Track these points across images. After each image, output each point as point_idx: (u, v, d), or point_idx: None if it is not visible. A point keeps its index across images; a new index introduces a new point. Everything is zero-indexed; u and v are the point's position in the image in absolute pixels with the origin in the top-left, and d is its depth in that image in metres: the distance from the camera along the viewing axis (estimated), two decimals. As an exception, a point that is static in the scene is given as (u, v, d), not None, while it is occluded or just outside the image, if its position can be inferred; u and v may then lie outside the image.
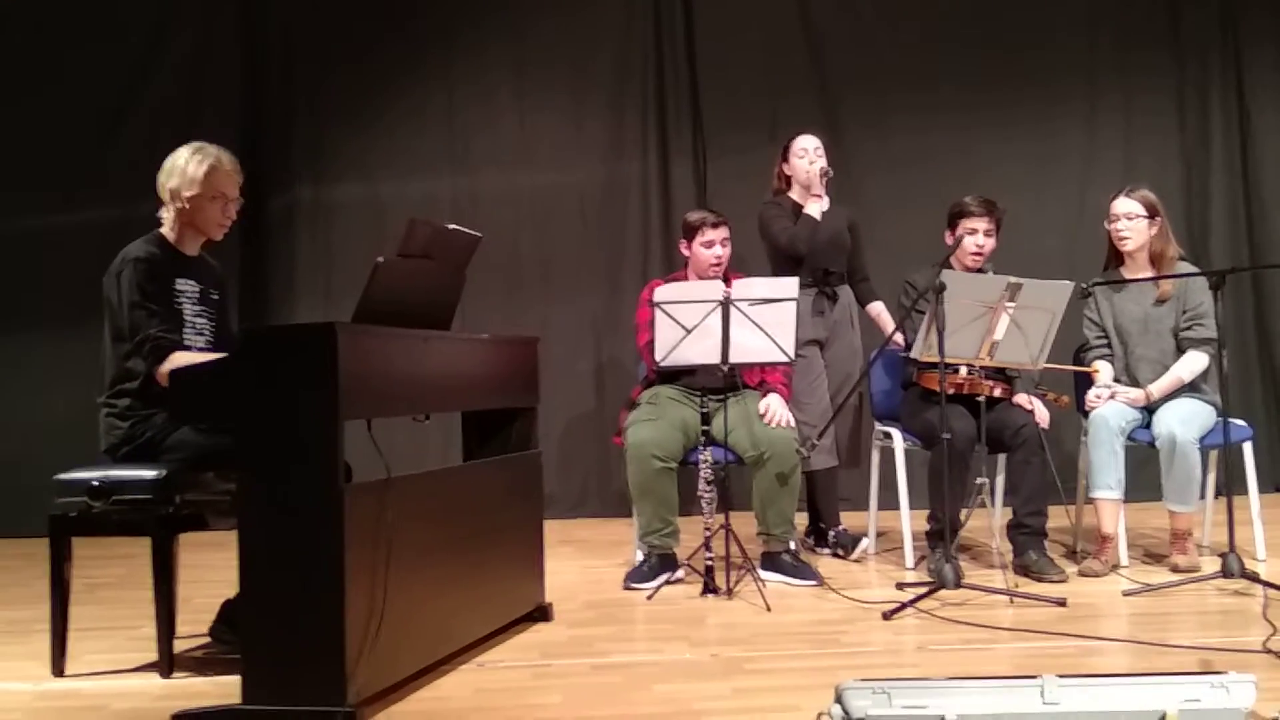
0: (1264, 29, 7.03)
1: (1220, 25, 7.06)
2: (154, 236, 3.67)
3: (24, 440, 6.36)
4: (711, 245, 4.83)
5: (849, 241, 5.26)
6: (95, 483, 3.37)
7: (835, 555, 5.12)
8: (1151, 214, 4.72)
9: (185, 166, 3.64)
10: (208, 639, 3.75)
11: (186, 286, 3.67)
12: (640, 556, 4.69)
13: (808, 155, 5.14)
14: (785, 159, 5.23)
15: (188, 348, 3.58)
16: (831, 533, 5.18)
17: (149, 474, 3.39)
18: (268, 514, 2.89)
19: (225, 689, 3.12)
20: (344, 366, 2.86)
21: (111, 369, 3.56)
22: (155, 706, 3.12)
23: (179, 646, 3.52)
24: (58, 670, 3.47)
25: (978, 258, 4.82)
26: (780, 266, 5.11)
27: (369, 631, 2.92)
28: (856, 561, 5.00)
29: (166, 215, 3.70)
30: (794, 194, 5.21)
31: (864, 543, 5.07)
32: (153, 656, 3.45)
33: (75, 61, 6.75)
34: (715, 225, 4.84)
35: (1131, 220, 4.71)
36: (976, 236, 4.79)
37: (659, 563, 4.59)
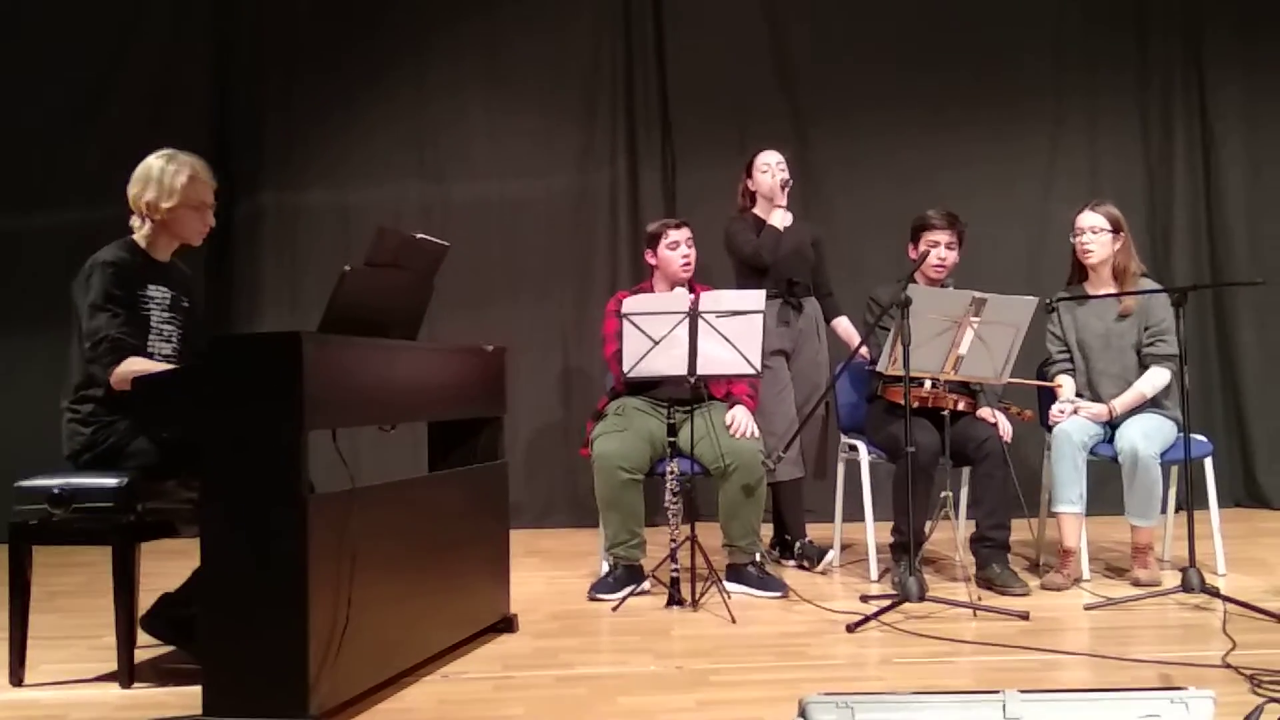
0: (1227, 50, 7.11)
1: (1184, 46, 7.15)
2: (125, 242, 3.63)
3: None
4: (677, 246, 4.85)
5: (812, 255, 5.29)
6: (56, 490, 3.34)
7: (801, 567, 5.13)
8: (1116, 229, 4.77)
9: (160, 177, 3.60)
10: (169, 649, 3.72)
11: (157, 293, 3.63)
12: (606, 567, 4.68)
13: (770, 170, 5.18)
14: (749, 175, 5.27)
15: (150, 354, 3.55)
16: (797, 544, 5.19)
17: (110, 482, 3.36)
18: (230, 523, 2.87)
19: (186, 699, 3.10)
20: (309, 376, 2.85)
21: (76, 374, 3.52)
22: (115, 717, 3.10)
23: (139, 656, 3.49)
24: (16, 680, 3.43)
25: (940, 270, 4.86)
26: (746, 280, 5.14)
27: (332, 642, 2.91)
28: (822, 574, 5.01)
29: (138, 224, 3.66)
30: (758, 210, 5.24)
31: (830, 555, 5.08)
32: (113, 666, 3.42)
33: (42, 64, 6.68)
34: (678, 227, 4.88)
35: (1096, 234, 4.76)
36: (939, 249, 4.83)
37: (625, 574, 4.58)
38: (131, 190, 3.63)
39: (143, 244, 3.65)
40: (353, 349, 3.14)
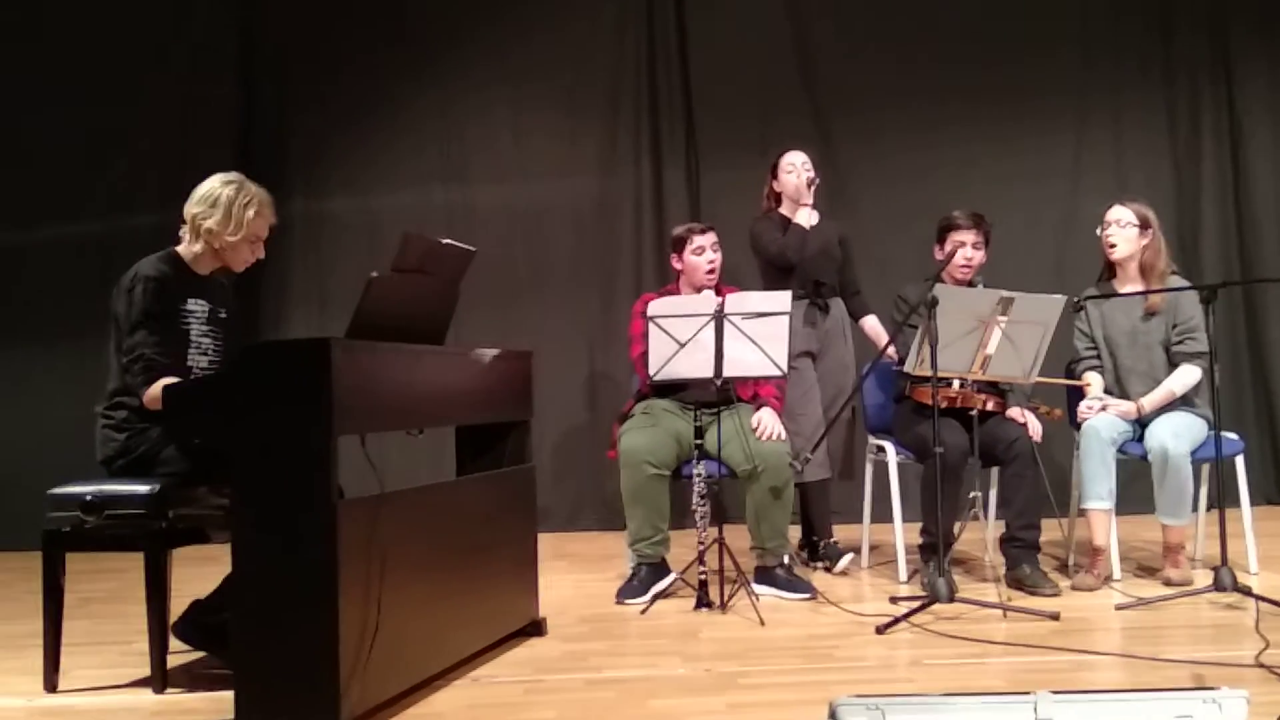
0: (1253, 45, 7.06)
1: (1210, 42, 7.09)
2: (168, 255, 3.66)
3: (17, 454, 6.34)
4: (703, 252, 4.84)
5: (839, 254, 5.28)
6: (89, 498, 3.37)
7: (821, 568, 5.12)
8: (1143, 225, 4.74)
9: (230, 208, 3.62)
10: (201, 655, 3.74)
11: (197, 306, 3.66)
12: (630, 568, 4.68)
13: (795, 170, 5.17)
14: (774, 176, 5.26)
15: (188, 370, 3.58)
16: (821, 544, 5.18)
17: (142, 489, 3.39)
18: (261, 529, 2.89)
19: (218, 704, 3.12)
20: (338, 382, 2.86)
21: (113, 381, 3.56)
22: (148, 722, 3.12)
23: (172, 662, 3.51)
24: (50, 686, 3.47)
25: (966, 270, 4.84)
26: (772, 280, 5.13)
27: (362, 646, 2.92)
28: (842, 575, 5.00)
29: (186, 239, 3.68)
30: (784, 209, 5.23)
31: (847, 558, 5.06)
32: (145, 672, 3.45)
33: (71, 76, 6.74)
34: (703, 232, 4.87)
35: (1122, 227, 4.73)
36: (965, 249, 4.81)
37: (649, 573, 4.58)
38: (192, 209, 3.65)
39: (187, 258, 3.68)
40: (380, 354, 3.15)
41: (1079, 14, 7.08)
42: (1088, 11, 7.09)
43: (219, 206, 3.62)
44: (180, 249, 3.69)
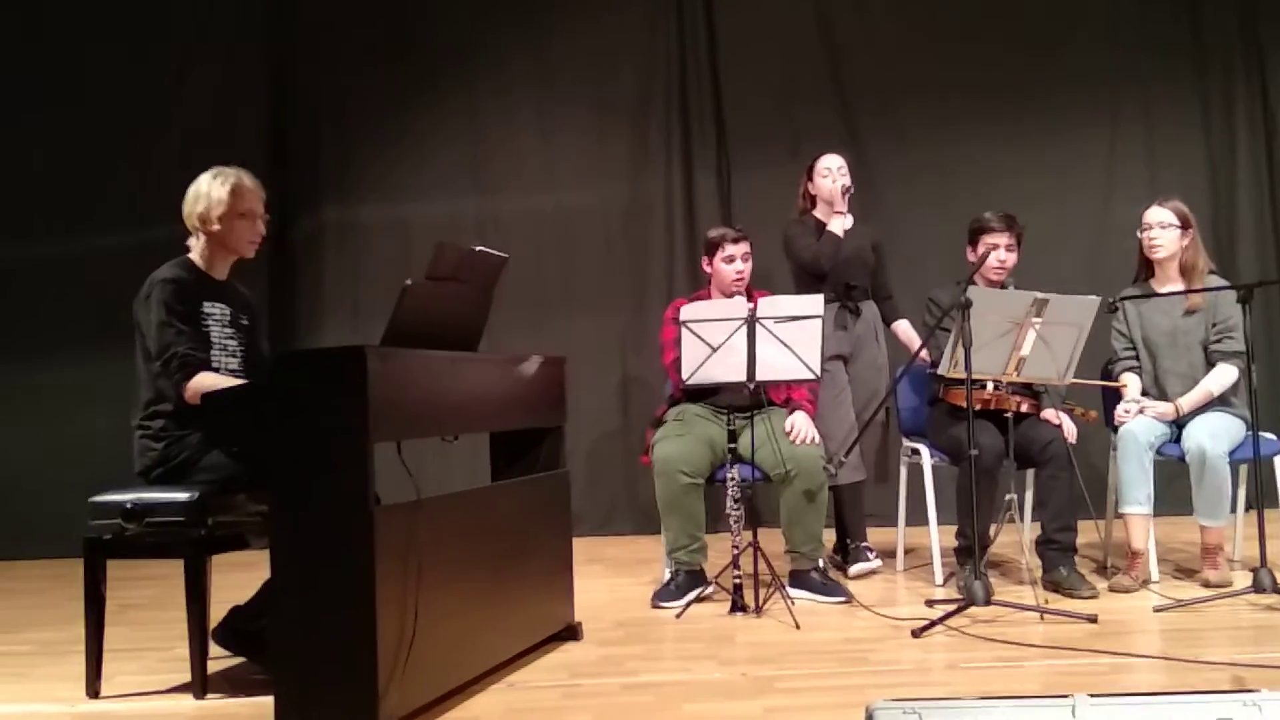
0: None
1: (1241, 32, 7.03)
2: (182, 261, 3.73)
3: (57, 463, 6.42)
4: (733, 260, 4.84)
5: (872, 259, 5.27)
6: (129, 505, 3.41)
7: (841, 569, 5.13)
8: (1184, 224, 4.71)
9: (209, 191, 3.69)
10: (240, 660, 3.78)
11: (215, 310, 3.71)
12: (668, 574, 4.69)
13: (831, 174, 5.16)
14: (810, 179, 5.25)
15: (216, 368, 3.62)
16: (851, 546, 5.17)
17: (182, 496, 3.42)
18: (299, 536, 2.91)
19: (258, 709, 3.15)
20: (374, 389, 2.88)
21: (146, 391, 3.61)
22: (189, 728, 3.15)
23: (212, 667, 3.55)
24: (92, 692, 3.51)
25: (1000, 272, 4.82)
26: (804, 284, 5.13)
27: (400, 651, 2.94)
28: (859, 578, 4.99)
29: (194, 243, 3.75)
30: (819, 213, 5.23)
31: (863, 566, 5.05)
32: (186, 677, 3.48)
33: (102, 86, 6.84)
34: (736, 240, 4.85)
35: (1165, 229, 4.70)
36: (999, 252, 4.79)
37: (686, 580, 4.59)
38: (185, 209, 3.73)
39: (200, 263, 3.74)
40: (415, 362, 3.17)
41: (1107, 7, 7.04)
42: (1116, 3, 7.04)
43: (200, 194, 3.70)
44: (192, 255, 3.75)
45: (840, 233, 5.10)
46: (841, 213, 5.12)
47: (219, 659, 3.72)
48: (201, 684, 3.43)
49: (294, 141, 7.04)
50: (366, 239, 6.99)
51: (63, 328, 6.70)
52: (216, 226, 3.69)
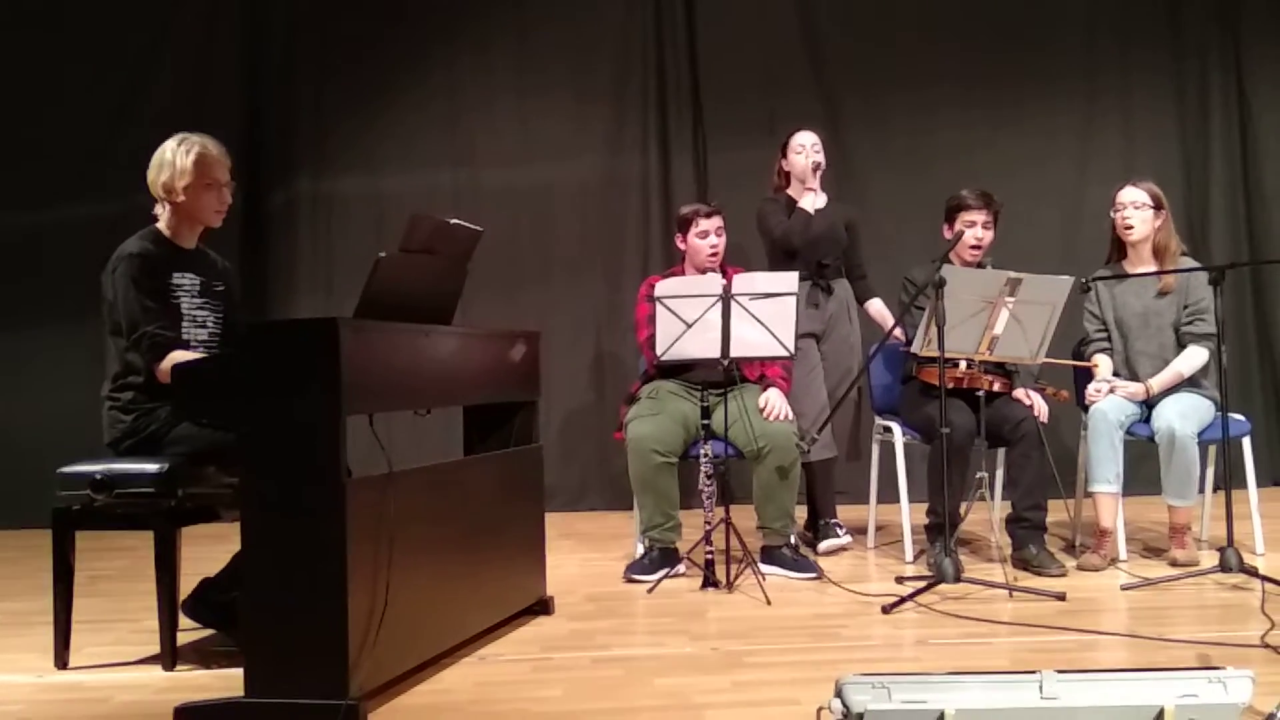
0: (1264, 26, 7.03)
1: (1219, 22, 7.06)
2: (149, 232, 3.68)
3: (27, 434, 6.36)
4: (706, 235, 4.84)
5: (845, 237, 5.26)
6: (98, 476, 3.38)
7: (807, 542, 5.15)
8: (1157, 205, 4.73)
9: (174, 159, 3.63)
10: (210, 632, 3.77)
11: (185, 280, 3.67)
12: (641, 550, 4.70)
13: (805, 151, 5.15)
14: (785, 155, 5.25)
15: (186, 343, 3.59)
16: (821, 523, 5.19)
17: (152, 467, 3.40)
18: (270, 508, 2.90)
19: (228, 681, 3.14)
20: (347, 361, 2.87)
21: (115, 364, 3.58)
22: (158, 699, 3.14)
23: (181, 639, 3.53)
24: (61, 663, 3.49)
25: (976, 251, 4.83)
26: (777, 261, 5.13)
27: (371, 624, 2.94)
28: (828, 554, 5.02)
29: (161, 211, 3.70)
30: (792, 190, 5.22)
31: (832, 542, 5.08)
32: (155, 649, 3.47)
33: (78, 55, 6.75)
34: (709, 215, 4.86)
35: (1138, 209, 4.72)
36: (975, 230, 4.80)
37: (660, 557, 4.60)
38: (149, 176, 3.67)
39: (167, 232, 3.69)
40: (389, 334, 3.16)
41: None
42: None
43: (165, 162, 3.64)
44: (159, 224, 3.71)
45: (811, 210, 5.10)
46: (813, 189, 5.12)
47: (189, 631, 3.70)
48: (171, 656, 3.42)
49: (270, 113, 6.97)
50: (341, 212, 6.94)
51: (34, 299, 6.63)
52: (181, 197, 3.64)
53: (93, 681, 3.38)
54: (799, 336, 4.91)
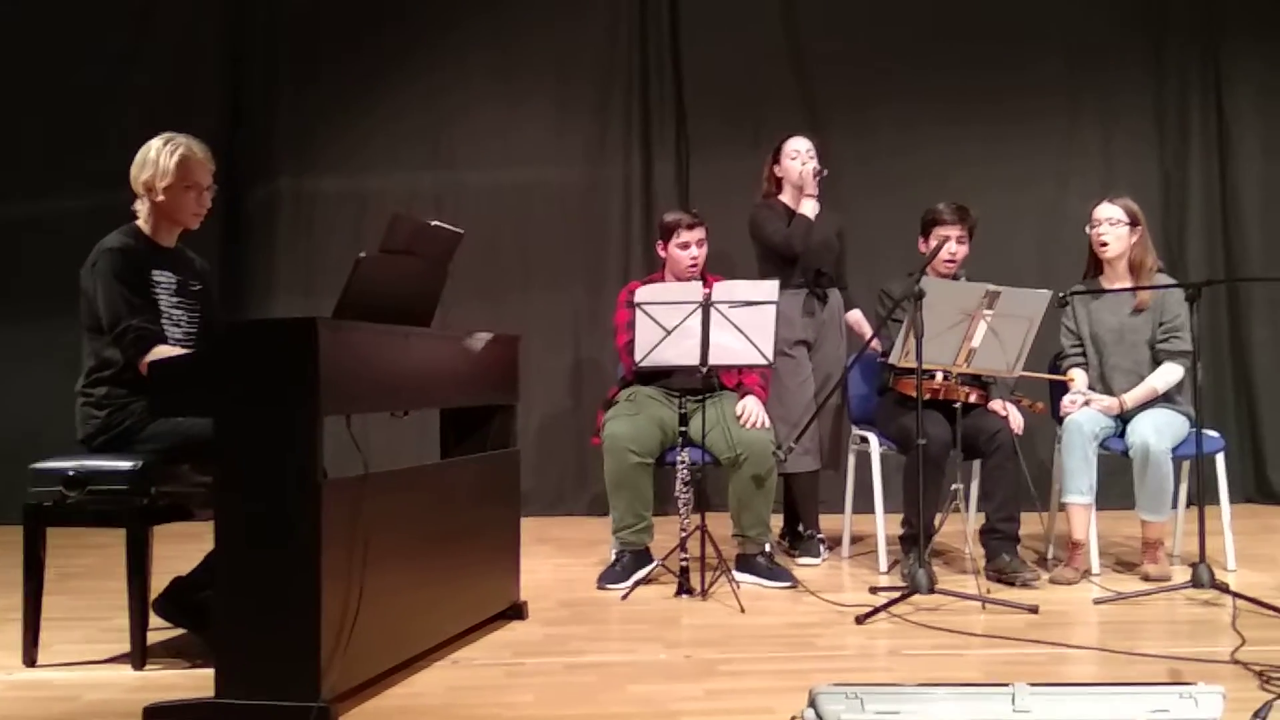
0: (1244, 49, 7.09)
1: (1200, 45, 7.10)
2: (129, 228, 3.66)
3: (2, 429, 6.31)
4: (687, 246, 4.84)
5: (837, 245, 5.26)
6: (71, 473, 3.36)
7: (787, 553, 5.15)
8: (1133, 222, 4.76)
9: (157, 158, 3.61)
10: (181, 631, 3.74)
11: (163, 278, 3.65)
12: (614, 555, 4.69)
13: (800, 157, 5.14)
14: (776, 161, 5.23)
15: (169, 338, 3.57)
16: (805, 534, 5.18)
17: (125, 465, 3.38)
18: (245, 508, 2.88)
19: (198, 681, 3.12)
20: (324, 362, 2.85)
21: (89, 359, 3.55)
22: (128, 698, 3.11)
23: (152, 638, 3.50)
24: (29, 660, 3.46)
25: (950, 264, 4.86)
26: (769, 268, 5.10)
27: (344, 626, 2.92)
28: (810, 565, 5.02)
29: (141, 208, 3.69)
30: (785, 196, 5.21)
31: (810, 560, 5.07)
32: (125, 647, 3.44)
33: (56, 50, 6.69)
34: (691, 226, 4.85)
35: (1114, 225, 4.75)
36: (949, 244, 4.82)
37: (632, 560, 4.59)
38: (133, 171, 3.65)
39: (146, 229, 3.68)
40: (367, 335, 3.15)
41: (1070, 16, 7.07)
42: (1079, 14, 7.08)
43: (148, 160, 3.62)
44: (139, 221, 3.69)
45: (812, 216, 5.08)
46: (812, 195, 5.09)
47: (159, 630, 3.68)
48: (141, 654, 3.39)
49: (251, 112, 6.94)
50: (322, 212, 6.91)
51: (10, 294, 6.58)
52: (161, 197, 3.62)
53: (62, 679, 3.35)
54: (793, 345, 4.93)
